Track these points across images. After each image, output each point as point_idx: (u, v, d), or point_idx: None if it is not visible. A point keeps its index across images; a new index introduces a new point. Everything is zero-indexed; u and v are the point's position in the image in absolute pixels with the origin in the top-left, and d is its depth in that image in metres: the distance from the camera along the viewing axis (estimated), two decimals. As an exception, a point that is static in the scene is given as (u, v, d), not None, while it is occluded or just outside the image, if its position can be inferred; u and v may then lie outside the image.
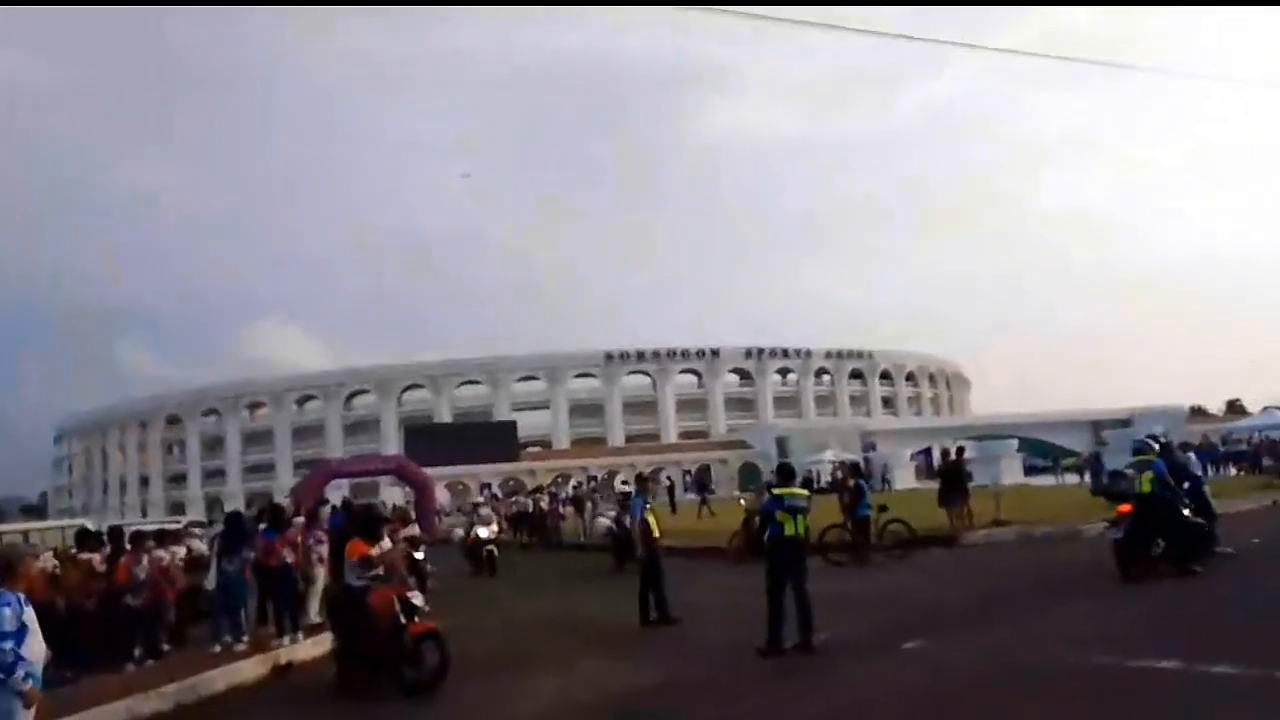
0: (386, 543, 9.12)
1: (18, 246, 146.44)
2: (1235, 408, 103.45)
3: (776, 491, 8.92)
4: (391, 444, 73.30)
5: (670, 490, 40.81)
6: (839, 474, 25.28)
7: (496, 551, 19.31)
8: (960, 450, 20.19)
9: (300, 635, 10.53)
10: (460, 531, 23.58)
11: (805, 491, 9.32)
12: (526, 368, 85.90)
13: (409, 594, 8.43)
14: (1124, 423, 55.46)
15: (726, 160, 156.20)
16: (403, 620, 8.06)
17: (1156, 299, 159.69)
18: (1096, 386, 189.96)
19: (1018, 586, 11.44)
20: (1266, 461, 31.50)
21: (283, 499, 19.49)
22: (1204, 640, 7.30)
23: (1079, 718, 5.64)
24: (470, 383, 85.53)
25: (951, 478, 18.31)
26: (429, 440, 59.38)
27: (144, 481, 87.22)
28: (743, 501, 19.96)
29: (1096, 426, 59.75)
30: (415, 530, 16.65)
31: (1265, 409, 50.50)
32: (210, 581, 11.22)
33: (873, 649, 8.26)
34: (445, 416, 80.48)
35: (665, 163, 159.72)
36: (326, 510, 14.71)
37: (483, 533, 19.97)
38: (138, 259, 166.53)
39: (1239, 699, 5.71)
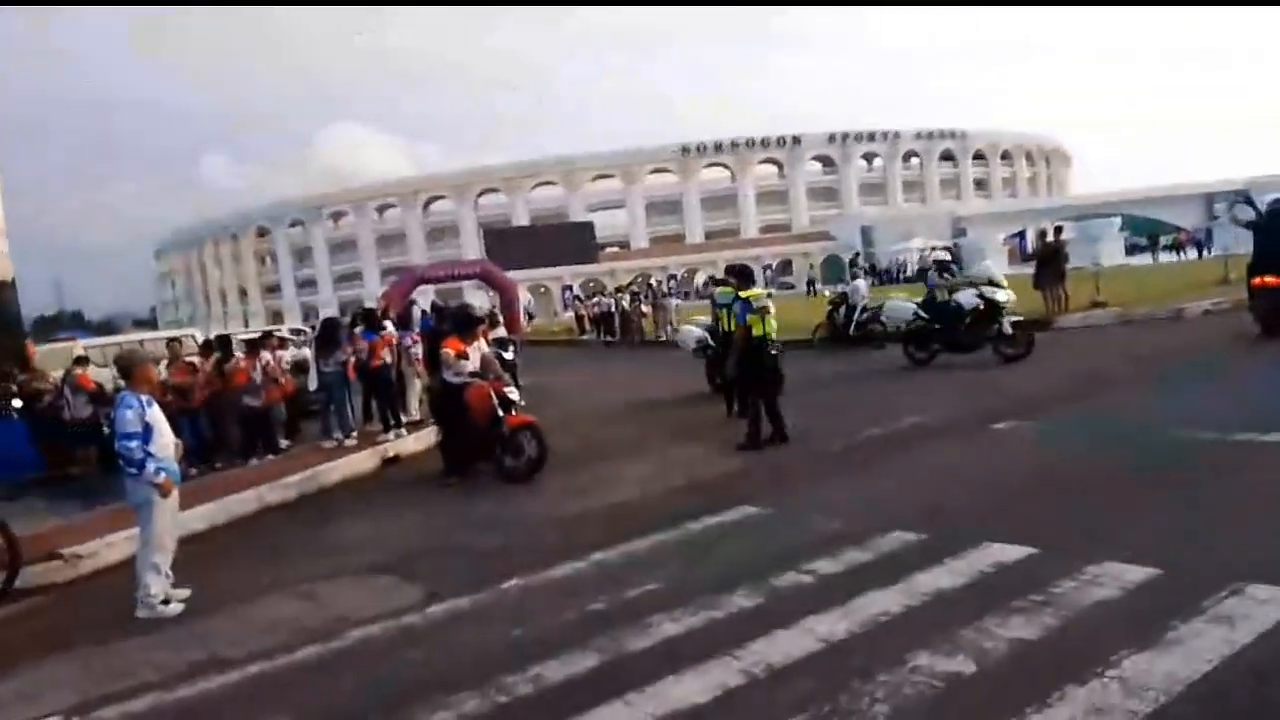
0: (481, 342, 9.29)
1: (102, 76, 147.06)
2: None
3: (743, 294, 8.81)
4: (471, 249, 74.16)
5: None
6: (929, 263, 24.63)
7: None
8: (1059, 230, 19.34)
9: (404, 430, 11.12)
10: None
11: (765, 291, 9.32)
12: (600, 165, 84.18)
13: (505, 389, 8.72)
14: (1242, 193, 51.90)
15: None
16: (500, 413, 8.40)
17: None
18: (1212, 157, 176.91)
19: (1112, 368, 11.16)
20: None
21: (374, 304, 20.21)
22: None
23: (1171, 491, 5.57)
24: (546, 184, 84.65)
25: (1046, 260, 17.59)
26: (508, 244, 59.78)
27: (242, 293, 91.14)
28: (827, 293, 19.70)
29: (1210, 200, 56.17)
30: (503, 331, 17.09)
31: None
32: (312, 383, 11.84)
33: (963, 430, 8.25)
34: (522, 219, 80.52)
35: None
36: (417, 313, 15.13)
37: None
38: (215, 71, 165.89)
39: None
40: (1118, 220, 44.00)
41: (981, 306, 12.58)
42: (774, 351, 8.73)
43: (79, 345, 18.87)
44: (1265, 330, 11.20)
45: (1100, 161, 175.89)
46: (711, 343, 12.13)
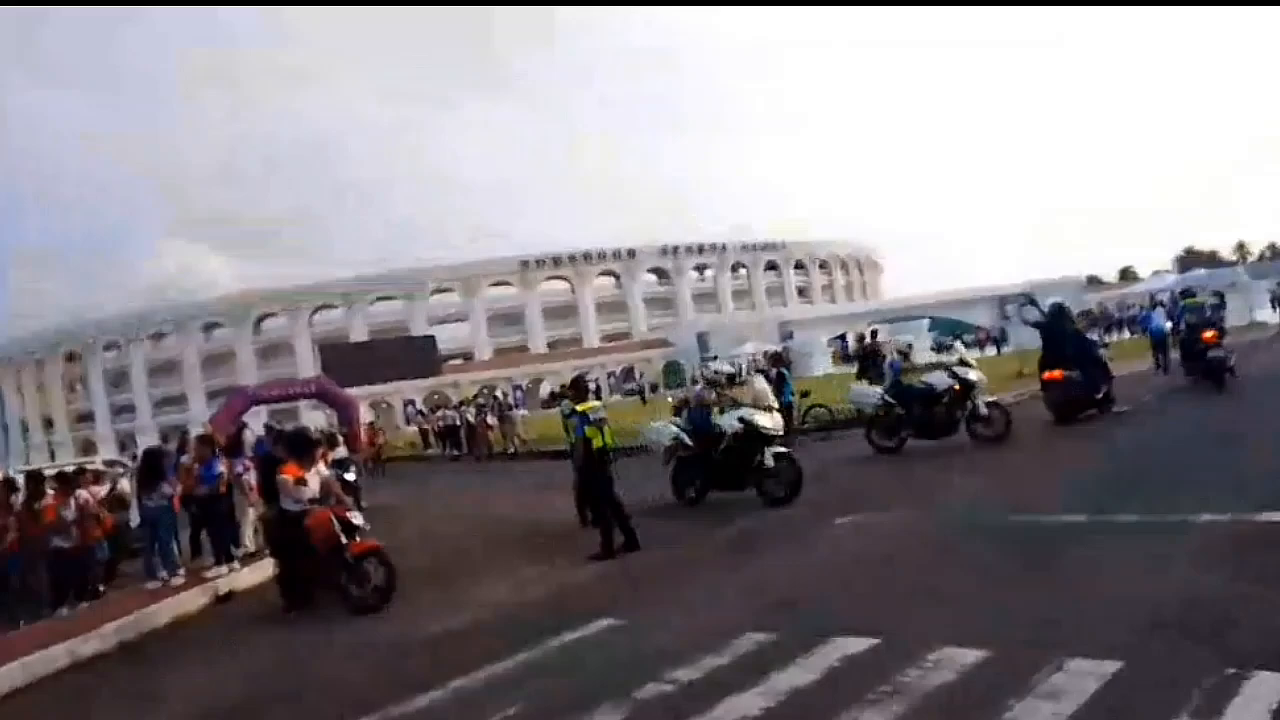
0: (320, 465, 9.00)
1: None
2: (1128, 274, 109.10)
3: (579, 408, 9.17)
4: (306, 367, 71.47)
5: (597, 393, 41.14)
6: (761, 364, 25.85)
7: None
8: (874, 333, 20.87)
9: (236, 564, 10.44)
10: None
11: (600, 403, 9.84)
12: (441, 279, 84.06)
13: (347, 513, 8.40)
14: (1026, 296, 57.71)
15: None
16: (343, 539, 8.07)
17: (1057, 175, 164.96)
18: (1000, 263, 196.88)
19: (932, 459, 12.03)
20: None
21: (201, 429, 19.07)
22: (1102, 493, 7.83)
23: (998, 571, 6.05)
24: (384, 299, 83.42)
25: (868, 360, 18.92)
26: (347, 360, 58.02)
27: (48, 423, 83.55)
28: (670, 399, 20.22)
29: (1002, 301, 62.11)
30: (343, 451, 16.51)
31: (1155, 273, 53.39)
32: (134, 519, 10.99)
33: (805, 527, 8.62)
34: (361, 335, 78.63)
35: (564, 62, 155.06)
36: (249, 437, 14.40)
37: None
38: (18, 185, 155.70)
39: (1136, 545, 6.19)
40: (926, 321, 47.83)
41: (956, 387, 12.10)
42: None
43: None
44: (1058, 419, 12.45)
45: (906, 268, 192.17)
46: (689, 441, 10.92)
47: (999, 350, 42.74)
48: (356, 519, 8.45)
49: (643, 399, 43.24)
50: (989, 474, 10.35)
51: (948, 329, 56.10)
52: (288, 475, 8.36)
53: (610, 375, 66.96)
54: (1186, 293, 18.03)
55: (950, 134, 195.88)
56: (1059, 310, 13.60)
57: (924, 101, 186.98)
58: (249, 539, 11.49)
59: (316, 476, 8.62)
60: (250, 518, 11.61)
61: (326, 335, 78.77)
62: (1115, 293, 73.49)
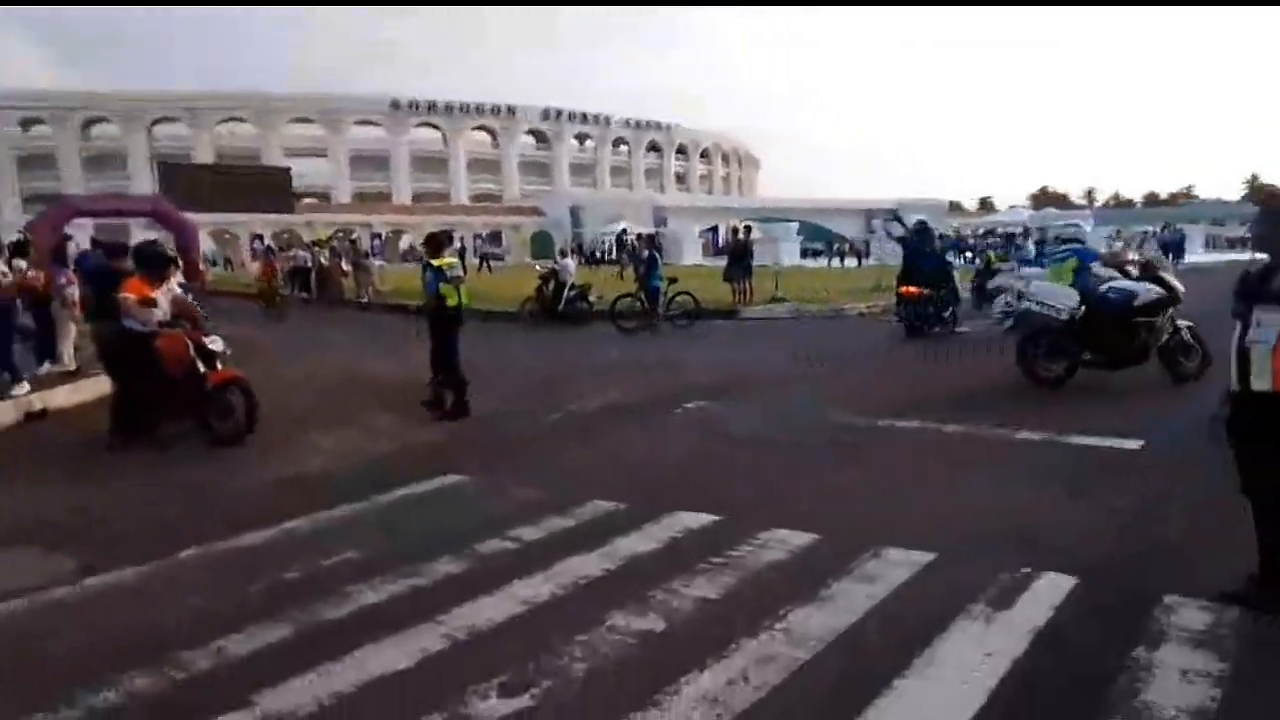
0: (172, 284, 8.22)
1: None
2: (986, 205, 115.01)
3: (435, 263, 8.92)
4: (143, 183, 65.65)
5: (460, 254, 40.06)
6: (635, 245, 25.81)
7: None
8: (748, 229, 21.14)
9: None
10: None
11: (457, 261, 9.76)
12: (301, 109, 78.15)
13: (206, 339, 7.78)
14: (893, 212, 59.95)
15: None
16: (201, 367, 7.54)
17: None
18: (869, 180, 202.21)
19: (788, 356, 12.46)
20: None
21: (18, 235, 17.26)
22: (936, 404, 8.37)
23: (824, 462, 6.41)
24: (235, 119, 77.05)
25: (737, 256, 19.21)
26: (189, 182, 53.23)
27: None
28: (537, 268, 19.99)
29: (869, 215, 64.15)
30: (179, 278, 15.40)
31: (1011, 208, 56.50)
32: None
33: (655, 409, 8.80)
34: (206, 156, 72.59)
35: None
36: (73, 249, 13.18)
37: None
38: None
39: (962, 451, 6.69)
40: (795, 225, 48.93)
41: (1162, 300, 8.70)
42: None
43: None
44: (907, 331, 13.13)
45: (781, 171, 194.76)
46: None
47: (860, 262, 44.33)
48: (216, 345, 7.84)
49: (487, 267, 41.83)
50: (831, 380, 10.83)
51: (815, 234, 57.71)
52: (131, 293, 7.50)
53: (477, 237, 65.18)
54: (989, 233, 20.58)
55: (843, 50, 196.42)
56: (922, 228, 14.18)
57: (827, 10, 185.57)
58: (68, 356, 10.67)
59: (168, 296, 7.85)
60: (71, 334, 10.77)
61: (168, 152, 72.32)
62: (974, 220, 77.42)
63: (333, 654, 3.55)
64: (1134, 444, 6.54)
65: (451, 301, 8.73)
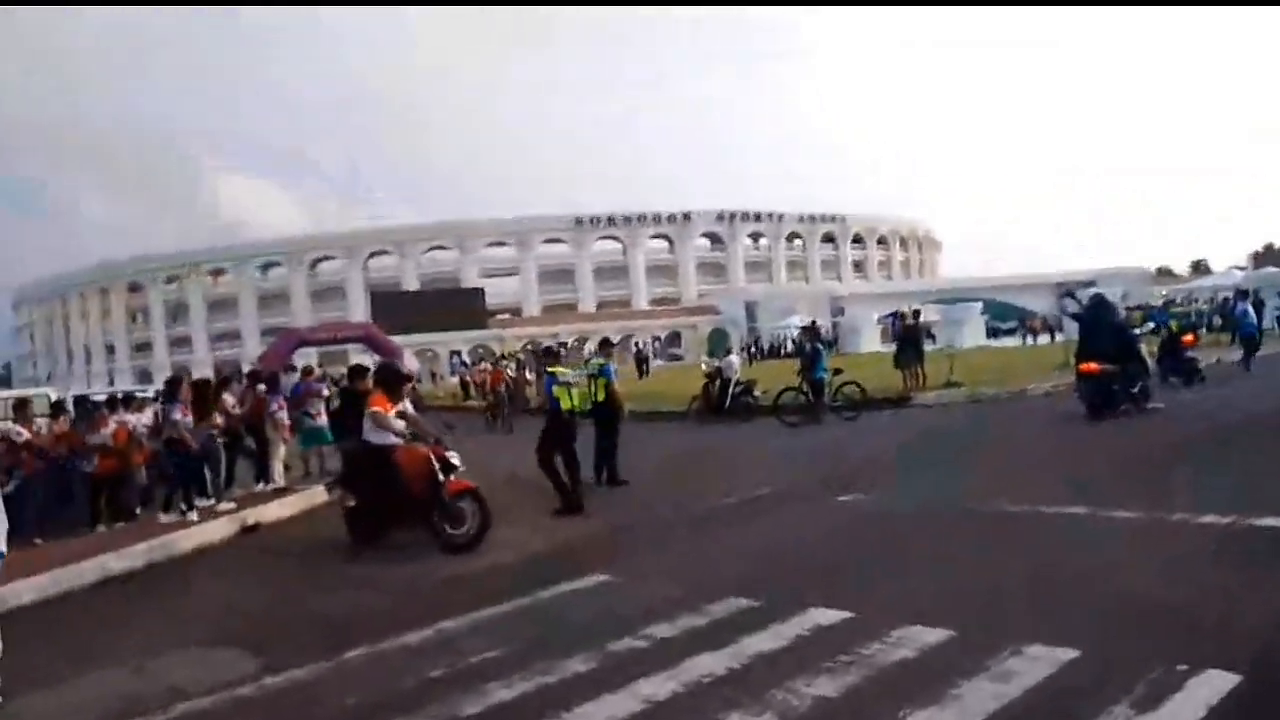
0: (406, 402, 8.71)
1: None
2: (1200, 268, 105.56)
3: (550, 370, 9.74)
4: (358, 311, 72.81)
5: (639, 356, 41.34)
6: (799, 339, 25.75)
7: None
8: (916, 313, 20.61)
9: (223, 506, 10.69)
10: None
11: (568, 369, 10.39)
12: (495, 233, 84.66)
13: (446, 451, 8.17)
14: (1089, 284, 56.31)
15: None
16: (441, 477, 7.89)
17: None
18: (1067, 250, 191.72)
19: (956, 443, 11.97)
20: (1216, 320, 32.38)
21: (252, 365, 19.85)
22: (1111, 488, 7.77)
23: (974, 554, 6.08)
24: (438, 248, 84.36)
25: (906, 340, 18.74)
26: (396, 307, 59.19)
27: (109, 350, 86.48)
28: (704, 366, 20.35)
29: (1061, 288, 60.71)
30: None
31: (1229, 269, 51.80)
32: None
33: (808, 501, 8.70)
34: (412, 283, 79.77)
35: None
36: (288, 380, 14.85)
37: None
38: (100, 108, 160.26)
39: (1130, 540, 6.17)
40: (979, 305, 47.02)
41: None
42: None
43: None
44: (1090, 411, 12.27)
45: (966, 248, 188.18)
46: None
47: (1053, 338, 41.77)
48: (454, 458, 8.18)
49: (642, 370, 40.21)
50: (996, 467, 10.28)
51: (1003, 313, 55.17)
52: (381, 407, 8.00)
53: (655, 339, 67.10)
54: (1171, 303, 19.15)
55: (1026, 121, 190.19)
56: (1099, 301, 13.35)
57: (1001, 87, 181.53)
58: (278, 474, 11.93)
59: (404, 411, 8.37)
60: (281, 454, 12.06)
61: (380, 281, 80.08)
62: (1184, 286, 71.28)
63: (460, 748, 3.77)
64: (1340, 525, 5.82)
65: (565, 405, 9.35)
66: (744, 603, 5.50)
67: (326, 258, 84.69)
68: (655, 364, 52.17)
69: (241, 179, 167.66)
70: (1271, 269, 48.32)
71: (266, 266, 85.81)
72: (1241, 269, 50.33)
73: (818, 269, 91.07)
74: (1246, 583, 5.02)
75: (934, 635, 4.57)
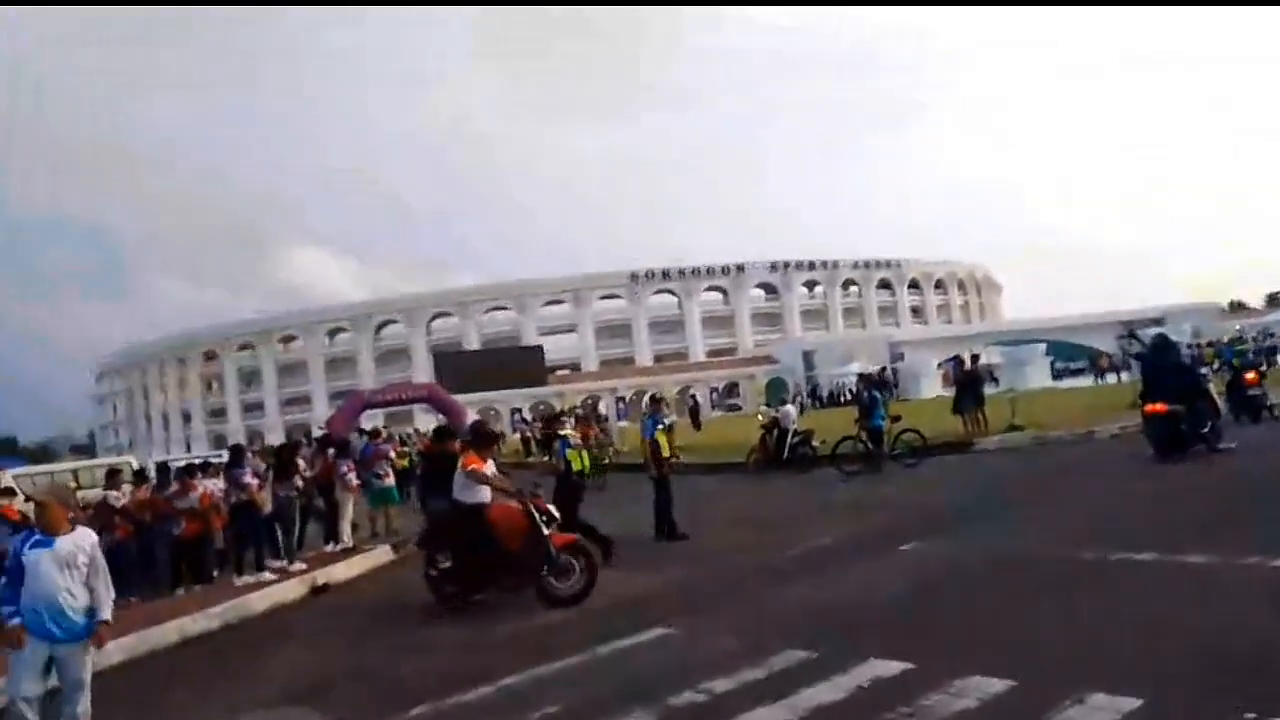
0: (491, 462, 8.82)
1: (49, 184, 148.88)
2: (1276, 300, 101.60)
3: (562, 434, 10.91)
4: (422, 372, 74.35)
5: (694, 409, 41.38)
6: (857, 387, 25.54)
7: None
8: (975, 358, 20.38)
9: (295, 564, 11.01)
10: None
11: (574, 432, 12.07)
12: (552, 291, 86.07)
13: (546, 505, 8.17)
14: (1156, 321, 54.85)
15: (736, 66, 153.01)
16: (545, 531, 7.90)
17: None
18: (1135, 284, 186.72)
19: (1020, 489, 11.75)
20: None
21: (319, 429, 20.59)
22: (1180, 532, 7.60)
23: (1036, 602, 6.00)
24: (497, 308, 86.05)
25: (965, 384, 18.51)
26: (458, 367, 60.24)
27: (186, 417, 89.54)
28: (760, 416, 20.31)
29: (1128, 326, 59.24)
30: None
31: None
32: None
33: (869, 551, 8.66)
34: (473, 343, 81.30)
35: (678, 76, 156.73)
36: (358, 441, 15.33)
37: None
38: (170, 193, 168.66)
39: (1199, 586, 6.03)
40: (1043, 346, 46.10)
41: None
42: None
43: (5, 475, 18.52)
44: (1158, 453, 11.96)
45: (1028, 288, 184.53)
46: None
47: (1119, 378, 40.68)
48: (554, 511, 8.21)
49: (696, 422, 39.63)
50: (1061, 513, 10.07)
51: (1069, 353, 53.92)
52: (476, 465, 8.07)
53: (713, 391, 67.05)
54: (1236, 339, 18.75)
55: (1091, 149, 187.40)
56: (1161, 341, 13.10)
57: (1066, 115, 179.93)
58: (347, 534, 12.26)
59: (491, 469, 8.49)
60: (349, 515, 12.40)
61: (442, 342, 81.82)
62: (1258, 321, 68.86)
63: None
64: None
65: (576, 466, 9.98)
66: (803, 654, 5.52)
67: (390, 321, 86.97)
68: (713, 414, 52.14)
69: (311, 249, 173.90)
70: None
71: (334, 332, 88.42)
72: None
73: (875, 315, 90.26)
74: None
75: (995, 685, 4.55)
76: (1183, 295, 67.11)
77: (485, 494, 8.14)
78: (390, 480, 12.68)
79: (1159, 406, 11.96)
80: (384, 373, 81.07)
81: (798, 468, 16.94)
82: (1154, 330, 16.21)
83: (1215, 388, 13.91)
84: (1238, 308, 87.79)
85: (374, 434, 14.13)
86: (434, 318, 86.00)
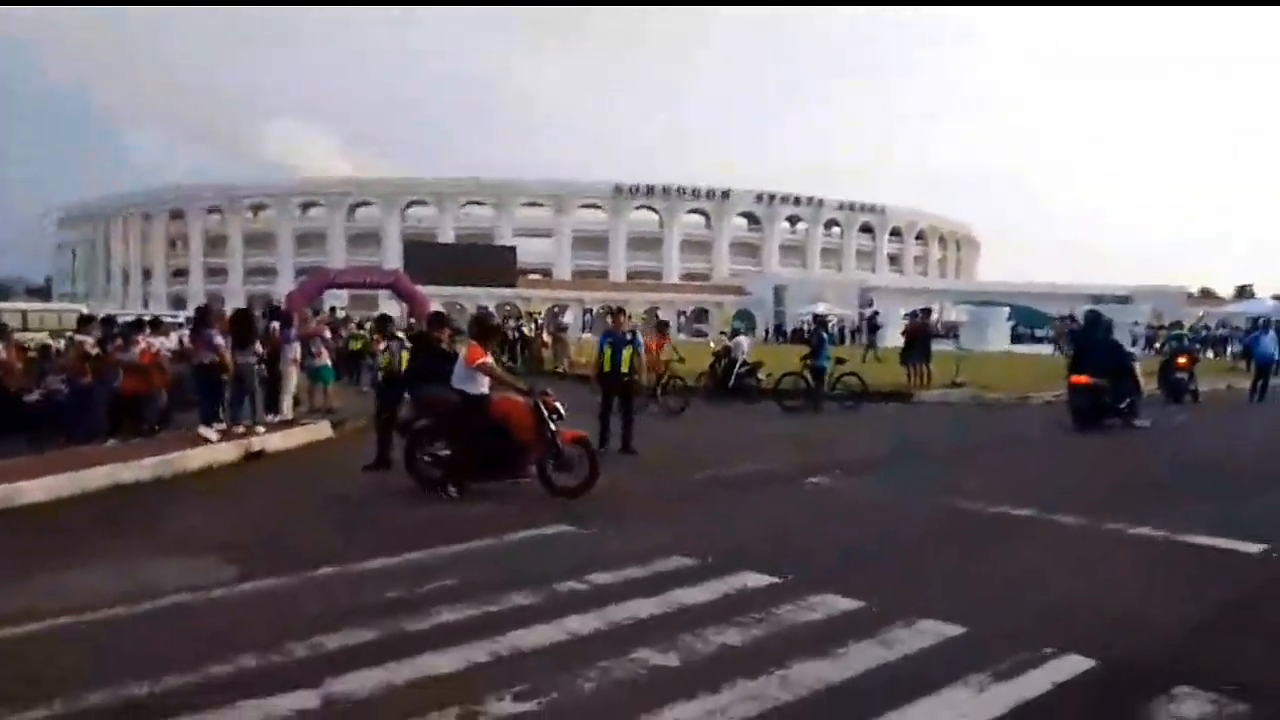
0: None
1: (33, 32, 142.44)
2: (1245, 292, 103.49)
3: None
4: (393, 258, 73.56)
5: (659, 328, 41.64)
6: (811, 326, 26.00)
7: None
8: (926, 312, 20.81)
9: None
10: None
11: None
12: (533, 193, 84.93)
13: (554, 401, 8.30)
14: (1123, 299, 55.74)
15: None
16: (554, 426, 8.10)
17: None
18: (1111, 261, 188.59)
19: (938, 442, 12.26)
20: (1235, 347, 32.08)
21: (278, 303, 20.67)
22: (1063, 495, 8.11)
23: (911, 539, 6.46)
24: (475, 203, 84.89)
25: (915, 338, 18.95)
26: (428, 258, 59.44)
27: (146, 274, 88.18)
28: (712, 345, 20.65)
29: (1096, 300, 60.11)
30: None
31: (1276, 296, 51.23)
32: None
33: (779, 480, 9.11)
34: (448, 235, 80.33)
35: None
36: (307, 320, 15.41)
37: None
38: (154, 51, 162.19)
39: (1057, 542, 6.53)
40: (1006, 310, 46.76)
41: None
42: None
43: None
44: (1076, 422, 12.52)
45: (1008, 252, 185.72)
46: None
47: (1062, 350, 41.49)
48: (561, 407, 8.33)
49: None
50: (973, 467, 10.59)
51: (1030, 319, 54.66)
52: (474, 357, 8.07)
53: (681, 314, 67.37)
54: (1174, 325, 19.38)
55: (1095, 130, 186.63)
56: (1093, 317, 13.61)
57: (1072, 91, 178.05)
58: (287, 407, 12.49)
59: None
60: (291, 387, 12.63)
61: (416, 231, 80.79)
62: (1222, 310, 70.23)
63: (399, 656, 4.24)
64: (1254, 547, 6.12)
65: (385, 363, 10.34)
66: (689, 561, 5.94)
67: (365, 203, 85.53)
68: (679, 337, 52.52)
69: (294, 121, 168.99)
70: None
71: (306, 206, 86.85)
72: (1278, 298, 49.51)
73: (853, 259, 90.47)
74: (1142, 588, 5.37)
75: (844, 604, 4.98)
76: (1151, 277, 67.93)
77: (486, 385, 8.17)
78: (324, 359, 12.85)
79: (1083, 379, 12.48)
80: (355, 254, 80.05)
81: (743, 398, 17.36)
82: (1146, 308, 17.18)
83: (1145, 367, 14.44)
84: (1207, 295, 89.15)
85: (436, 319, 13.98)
86: (410, 205, 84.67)
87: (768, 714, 3.59)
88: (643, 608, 4.96)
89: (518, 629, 4.61)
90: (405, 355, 9.99)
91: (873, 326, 32.71)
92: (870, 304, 58.95)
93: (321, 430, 12.18)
